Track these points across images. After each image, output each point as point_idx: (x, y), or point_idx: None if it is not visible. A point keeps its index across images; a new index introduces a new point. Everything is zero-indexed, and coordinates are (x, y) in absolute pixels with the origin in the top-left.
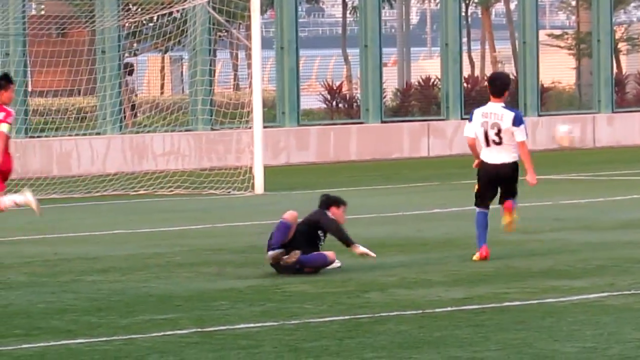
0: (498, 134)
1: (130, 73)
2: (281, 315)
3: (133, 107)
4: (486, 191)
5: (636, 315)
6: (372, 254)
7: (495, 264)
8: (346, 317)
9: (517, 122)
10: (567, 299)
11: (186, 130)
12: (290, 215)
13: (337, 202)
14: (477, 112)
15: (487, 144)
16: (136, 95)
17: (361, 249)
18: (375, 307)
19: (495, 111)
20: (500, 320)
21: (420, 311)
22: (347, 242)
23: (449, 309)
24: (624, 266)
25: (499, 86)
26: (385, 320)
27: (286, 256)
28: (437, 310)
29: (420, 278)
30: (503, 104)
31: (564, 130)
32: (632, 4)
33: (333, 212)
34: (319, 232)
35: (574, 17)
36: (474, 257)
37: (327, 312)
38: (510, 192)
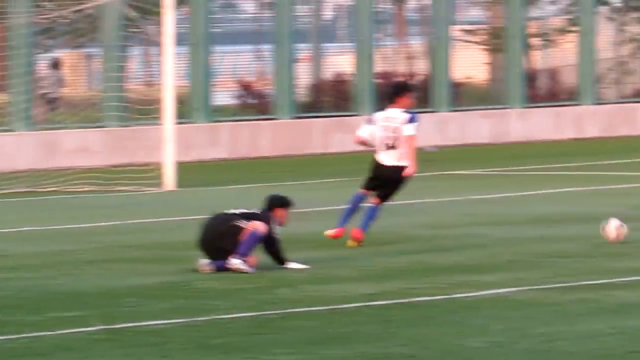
0: (394, 137)
1: (56, 66)
2: (190, 311)
3: (53, 101)
4: (371, 182)
5: (544, 310)
6: (304, 267)
7: (405, 259)
8: (255, 314)
9: (410, 122)
10: (476, 294)
11: (97, 127)
12: (264, 227)
13: (283, 203)
14: (377, 115)
15: (383, 147)
16: (61, 88)
17: (293, 265)
18: (284, 303)
19: (395, 115)
20: (409, 316)
21: (329, 307)
22: (282, 261)
23: (358, 304)
24: (533, 261)
25: (396, 93)
26: (294, 316)
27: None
28: (346, 306)
29: (329, 274)
30: (403, 109)
31: (615, 225)
32: None
33: (278, 214)
34: None
35: (487, 13)
36: (326, 233)
37: (236, 308)
38: (386, 195)
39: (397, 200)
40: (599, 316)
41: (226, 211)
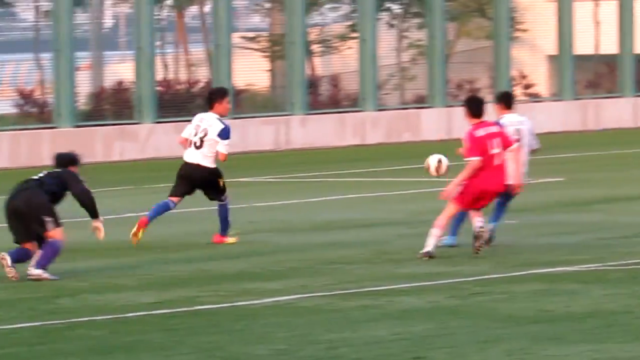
0: (202, 138)
1: None
2: None
3: None
4: (178, 185)
5: (327, 316)
6: (101, 235)
7: (188, 267)
8: (37, 324)
9: (224, 135)
10: (260, 302)
11: None
12: (62, 237)
13: (73, 160)
14: (196, 117)
15: (192, 145)
16: None
17: (98, 224)
18: (67, 313)
19: (209, 119)
20: (192, 324)
21: (112, 316)
22: (96, 214)
23: (141, 313)
24: (316, 267)
25: (210, 99)
26: (77, 326)
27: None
28: (129, 315)
29: (111, 283)
30: (218, 116)
31: (434, 161)
32: (327, 6)
33: (74, 170)
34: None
35: (267, 20)
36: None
37: (19, 318)
38: (212, 195)
39: (180, 208)
40: (382, 322)
41: (34, 177)
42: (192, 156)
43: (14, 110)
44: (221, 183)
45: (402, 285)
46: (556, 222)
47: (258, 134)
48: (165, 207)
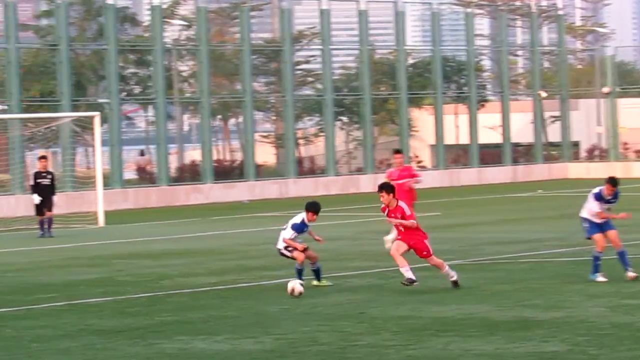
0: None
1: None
2: None
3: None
4: None
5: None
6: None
7: (231, 263)
8: (150, 294)
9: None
10: (268, 282)
11: (59, 192)
12: None
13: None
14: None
15: None
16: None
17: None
18: (166, 288)
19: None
20: (235, 295)
21: (191, 290)
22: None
23: (207, 288)
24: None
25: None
26: (172, 295)
27: None
28: (200, 289)
29: (191, 271)
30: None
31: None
32: (306, 118)
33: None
34: None
35: (274, 126)
36: None
37: (141, 292)
38: None
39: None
40: (342, 293)
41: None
42: None
43: (135, 176)
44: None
45: (350, 272)
46: (435, 237)
47: (269, 189)
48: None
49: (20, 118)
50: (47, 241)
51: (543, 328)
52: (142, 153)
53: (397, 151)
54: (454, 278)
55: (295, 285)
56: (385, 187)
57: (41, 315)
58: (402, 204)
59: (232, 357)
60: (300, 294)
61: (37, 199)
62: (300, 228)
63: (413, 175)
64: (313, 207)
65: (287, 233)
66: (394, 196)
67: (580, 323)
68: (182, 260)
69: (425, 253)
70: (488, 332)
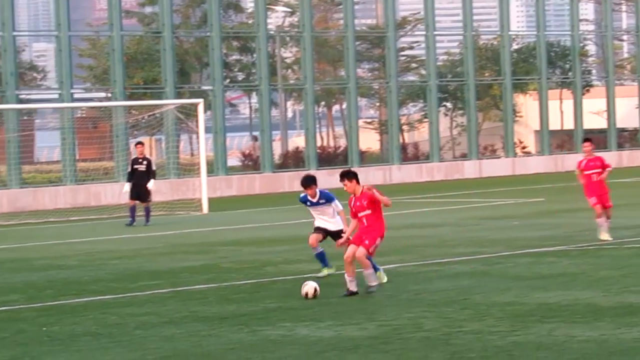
0: None
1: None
2: None
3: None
4: None
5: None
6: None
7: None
8: (254, 281)
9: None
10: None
11: (162, 179)
12: None
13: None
14: None
15: None
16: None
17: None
18: (270, 275)
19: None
20: (327, 280)
21: (292, 277)
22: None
23: (305, 275)
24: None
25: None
26: (275, 282)
27: None
28: (298, 276)
29: (291, 259)
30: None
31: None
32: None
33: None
34: None
35: (378, 112)
36: None
37: (244, 279)
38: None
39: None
40: (444, 279)
41: None
42: None
43: (239, 163)
44: None
45: (455, 258)
46: (538, 223)
47: (372, 175)
48: None
49: (124, 105)
50: (150, 228)
51: None
52: (255, 138)
53: (586, 139)
54: (369, 286)
55: (308, 289)
56: (347, 175)
57: (145, 302)
58: (367, 190)
59: (336, 344)
60: (316, 292)
61: (126, 186)
62: (302, 199)
63: (605, 166)
64: (301, 182)
65: (337, 207)
66: (357, 182)
67: None
68: (285, 247)
69: (367, 243)
70: (593, 318)
